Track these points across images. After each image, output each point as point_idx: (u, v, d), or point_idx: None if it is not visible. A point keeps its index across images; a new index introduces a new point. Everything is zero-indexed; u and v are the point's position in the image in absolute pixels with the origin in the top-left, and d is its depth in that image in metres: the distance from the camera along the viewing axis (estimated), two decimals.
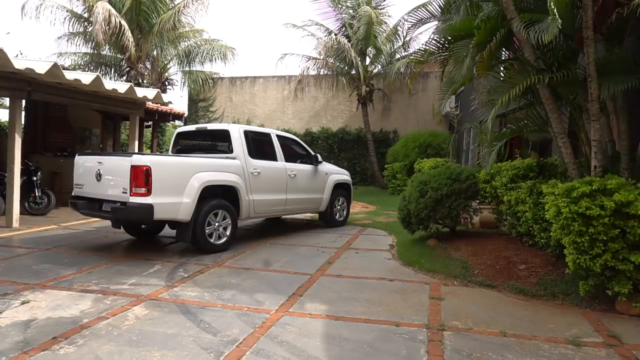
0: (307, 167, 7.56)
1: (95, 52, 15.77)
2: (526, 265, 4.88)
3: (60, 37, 15.63)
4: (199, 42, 17.04)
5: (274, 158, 6.97)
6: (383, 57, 16.63)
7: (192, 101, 19.97)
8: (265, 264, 5.35)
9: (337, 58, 16.12)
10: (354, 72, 16.46)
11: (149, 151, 13.78)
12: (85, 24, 14.92)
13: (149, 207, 5.11)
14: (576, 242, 3.65)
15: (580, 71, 4.69)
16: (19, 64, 6.51)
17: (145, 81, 15.32)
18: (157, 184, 5.18)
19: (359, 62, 15.78)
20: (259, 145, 6.73)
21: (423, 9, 6.79)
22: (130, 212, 5.19)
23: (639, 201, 3.41)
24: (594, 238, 3.55)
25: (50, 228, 7.43)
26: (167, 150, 10.53)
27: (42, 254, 5.59)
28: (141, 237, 6.79)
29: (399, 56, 16.53)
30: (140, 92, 8.87)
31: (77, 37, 15.55)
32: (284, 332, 3.27)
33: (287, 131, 13.26)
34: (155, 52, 15.95)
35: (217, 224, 5.85)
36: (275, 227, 8.22)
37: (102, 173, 5.58)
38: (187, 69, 17.64)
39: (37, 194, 8.60)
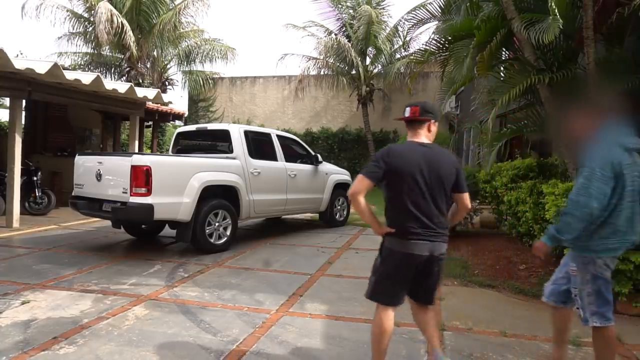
0: (307, 167, 7.56)
1: (96, 52, 15.77)
2: (526, 265, 4.88)
3: (61, 37, 15.62)
4: (199, 42, 17.02)
5: (274, 158, 6.96)
6: (383, 57, 16.62)
7: (192, 101, 19.96)
8: (265, 264, 5.35)
9: (337, 58, 16.11)
10: (354, 72, 16.45)
11: (149, 151, 13.77)
12: (86, 24, 14.91)
13: (149, 207, 5.11)
14: None
15: (581, 71, 4.69)
16: (19, 64, 6.51)
17: (145, 81, 15.31)
18: (157, 184, 5.18)
19: (359, 62, 15.77)
20: (259, 145, 6.73)
21: (423, 9, 6.80)
22: (131, 212, 5.19)
23: None
24: None
25: (50, 228, 7.43)
26: (167, 150, 10.52)
27: (42, 254, 5.59)
28: (141, 237, 6.79)
29: (399, 56, 16.52)
30: (140, 92, 8.87)
31: (77, 37, 15.54)
32: (284, 332, 3.27)
33: (287, 131, 13.25)
34: (155, 52, 15.94)
35: (217, 224, 5.85)
36: (275, 227, 8.22)
37: (103, 173, 5.58)
38: (188, 69, 17.63)
39: (37, 194, 8.59)
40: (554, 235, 2.35)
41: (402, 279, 2.47)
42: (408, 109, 2.57)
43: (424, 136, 2.53)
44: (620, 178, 2.23)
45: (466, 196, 2.50)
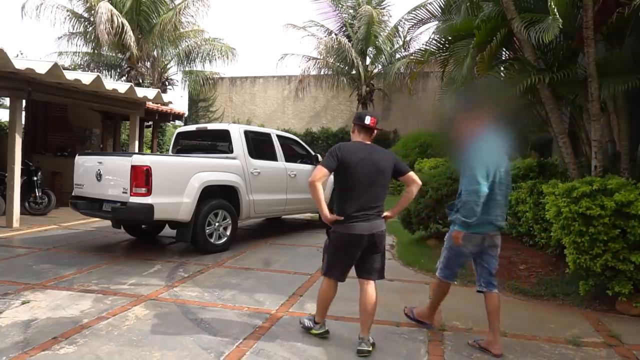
0: (308, 167, 7.54)
1: (96, 52, 15.77)
2: (526, 265, 4.88)
3: (61, 37, 15.64)
4: (199, 42, 17.02)
5: (274, 158, 6.96)
6: (383, 57, 16.63)
7: (193, 101, 19.96)
8: (265, 264, 5.35)
9: (337, 58, 16.11)
10: (354, 72, 16.46)
11: (149, 151, 13.77)
12: (86, 24, 14.91)
13: (149, 207, 5.11)
14: (576, 242, 3.65)
15: (581, 71, 4.69)
16: (19, 64, 6.51)
17: (145, 81, 15.32)
18: (157, 184, 5.18)
19: (359, 62, 15.78)
20: (259, 145, 6.72)
21: (423, 9, 6.80)
22: (131, 212, 5.19)
23: None
24: (595, 238, 3.55)
25: (50, 228, 7.43)
26: (168, 150, 10.52)
27: (42, 254, 5.59)
28: (141, 237, 6.79)
29: (399, 56, 16.53)
30: (140, 92, 8.86)
31: (77, 37, 15.55)
32: (284, 332, 3.27)
33: (287, 131, 13.25)
34: (155, 52, 15.95)
35: (217, 224, 5.85)
36: (275, 227, 8.22)
37: (103, 173, 5.58)
38: (188, 69, 17.64)
39: (37, 194, 8.59)
40: (463, 221, 2.89)
41: (347, 257, 2.98)
42: (369, 117, 3.08)
43: (369, 140, 3.11)
44: (489, 173, 2.89)
45: (411, 174, 3.06)
